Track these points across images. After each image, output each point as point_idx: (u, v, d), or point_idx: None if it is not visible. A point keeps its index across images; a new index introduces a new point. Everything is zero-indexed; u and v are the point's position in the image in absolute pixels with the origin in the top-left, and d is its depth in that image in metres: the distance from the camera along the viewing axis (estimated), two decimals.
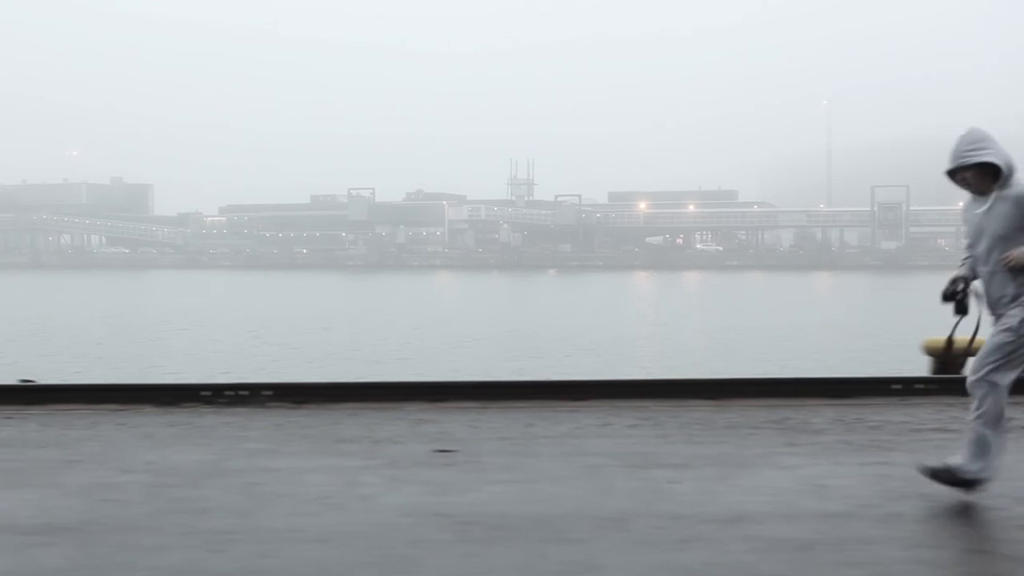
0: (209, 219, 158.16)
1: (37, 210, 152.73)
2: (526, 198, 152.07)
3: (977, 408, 5.94)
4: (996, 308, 6.05)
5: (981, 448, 5.95)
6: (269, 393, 9.61)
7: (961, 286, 6.18)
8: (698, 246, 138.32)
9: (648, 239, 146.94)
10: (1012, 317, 5.95)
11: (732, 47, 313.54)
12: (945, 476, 6.03)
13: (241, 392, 9.60)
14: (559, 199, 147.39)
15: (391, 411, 9.20)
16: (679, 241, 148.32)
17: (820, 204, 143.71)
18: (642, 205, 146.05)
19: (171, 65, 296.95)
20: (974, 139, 6.06)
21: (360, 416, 9.00)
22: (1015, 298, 5.97)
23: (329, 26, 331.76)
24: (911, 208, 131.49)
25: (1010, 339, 5.91)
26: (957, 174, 6.08)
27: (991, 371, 5.92)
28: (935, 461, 6.17)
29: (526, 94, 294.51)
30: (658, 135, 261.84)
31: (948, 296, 6.21)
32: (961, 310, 6.18)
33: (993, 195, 6.03)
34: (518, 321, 45.93)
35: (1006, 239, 5.97)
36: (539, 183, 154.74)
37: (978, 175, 6.04)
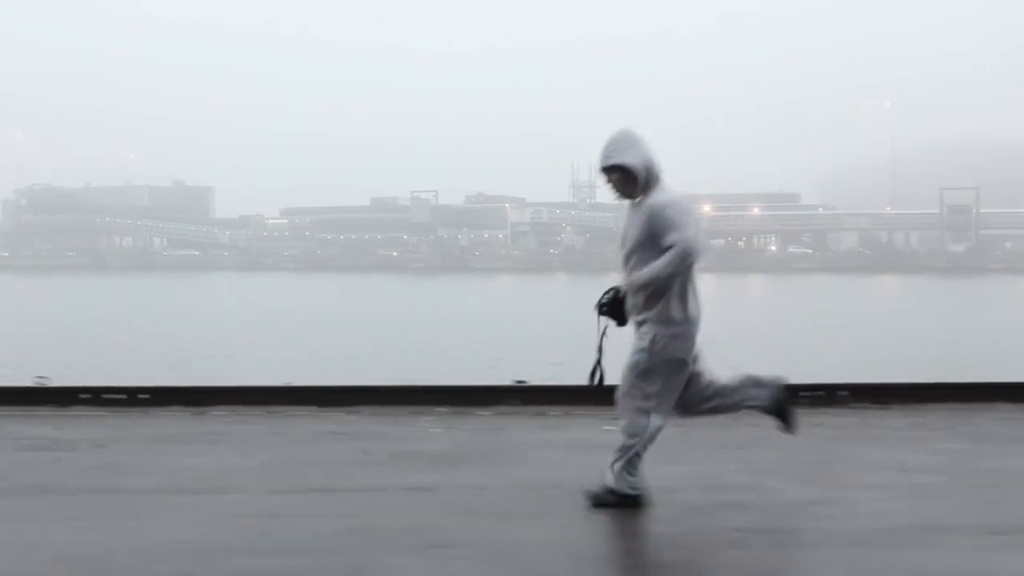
0: (270, 221, 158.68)
1: (100, 212, 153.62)
2: (588, 200, 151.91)
3: (622, 422, 6.00)
4: (635, 315, 6.05)
5: (629, 462, 5.94)
6: (845, 393, 9.67)
7: (613, 295, 6.14)
8: (790, 250, 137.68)
9: (711, 241, 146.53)
10: (644, 337, 5.96)
11: (732, 47, 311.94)
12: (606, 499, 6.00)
13: (816, 392, 9.66)
14: (623, 201, 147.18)
15: (976, 411, 9.26)
16: (740, 244, 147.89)
17: (887, 207, 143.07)
18: (706, 208, 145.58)
19: (172, 65, 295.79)
20: (617, 140, 5.97)
21: (974, 415, 9.04)
22: (645, 309, 5.96)
23: (329, 26, 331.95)
24: (981, 211, 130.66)
25: (643, 358, 5.92)
26: (607, 175, 6.02)
27: (632, 388, 5.95)
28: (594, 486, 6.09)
29: (526, 94, 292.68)
30: (660, 136, 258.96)
31: (600, 307, 6.14)
32: (615, 318, 6.13)
33: (638, 201, 5.98)
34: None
35: (642, 247, 5.93)
36: (600, 185, 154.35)
37: (623, 179, 5.99)
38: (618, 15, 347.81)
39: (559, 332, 38.71)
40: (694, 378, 6.07)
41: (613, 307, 6.12)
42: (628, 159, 5.92)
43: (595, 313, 6.15)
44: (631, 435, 5.95)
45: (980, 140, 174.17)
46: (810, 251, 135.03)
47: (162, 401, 9.80)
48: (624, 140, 5.96)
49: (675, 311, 5.92)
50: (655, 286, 5.87)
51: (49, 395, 9.92)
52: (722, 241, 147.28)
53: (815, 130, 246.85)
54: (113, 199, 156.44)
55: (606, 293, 6.15)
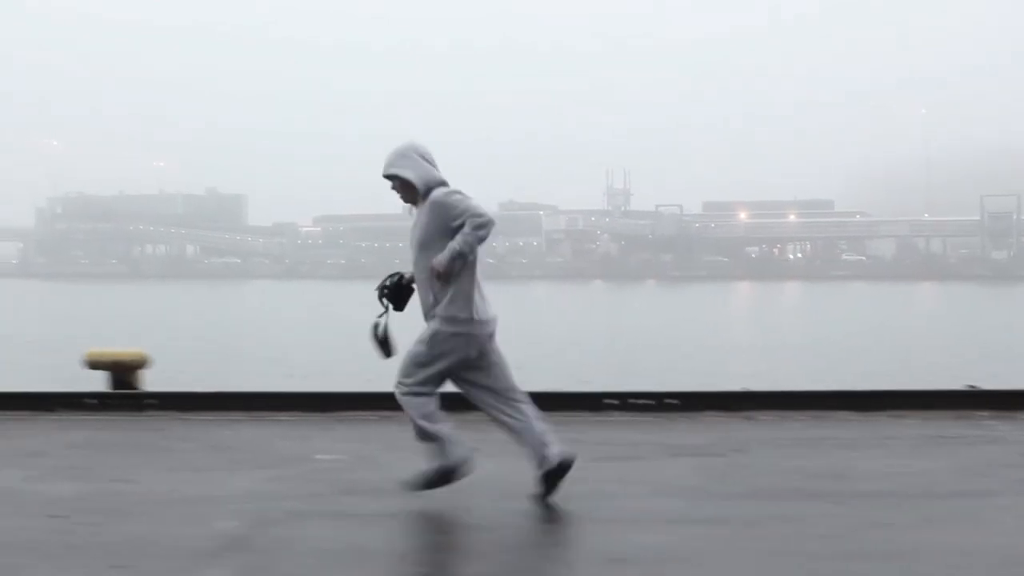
0: (304, 229, 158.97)
1: (134, 220, 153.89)
2: (623, 208, 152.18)
3: (412, 413, 6.36)
4: (426, 316, 6.44)
5: (435, 444, 6.38)
6: None
7: (397, 279, 6.48)
8: (844, 257, 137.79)
9: (747, 249, 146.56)
10: (427, 330, 6.38)
11: (731, 49, 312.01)
12: (435, 479, 6.42)
13: None
14: (659, 208, 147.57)
15: None
16: (775, 251, 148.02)
17: (924, 214, 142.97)
18: (742, 215, 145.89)
19: (171, 67, 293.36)
20: (399, 151, 6.41)
21: None
22: (434, 307, 6.36)
23: (328, 27, 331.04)
24: (1021, 217, 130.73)
25: (423, 350, 6.35)
26: (390, 182, 6.46)
27: (411, 381, 6.35)
28: (416, 474, 6.49)
29: (527, 95, 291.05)
30: (662, 137, 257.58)
31: (382, 289, 6.45)
32: (395, 302, 6.45)
33: (419, 206, 6.41)
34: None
35: (426, 247, 6.32)
36: (635, 193, 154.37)
37: (403, 186, 6.43)
38: (617, 17, 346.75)
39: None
40: (486, 376, 6.45)
41: (395, 292, 6.49)
42: (405, 172, 6.38)
43: (377, 295, 6.49)
44: (423, 416, 6.36)
45: (1019, 144, 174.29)
46: (864, 258, 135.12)
47: (691, 406, 9.89)
48: (403, 153, 6.41)
49: (460, 311, 6.34)
50: (460, 262, 6.23)
51: (579, 401, 10.04)
52: (756, 249, 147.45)
53: (847, 134, 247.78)
54: (147, 207, 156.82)
55: (390, 277, 6.53)
